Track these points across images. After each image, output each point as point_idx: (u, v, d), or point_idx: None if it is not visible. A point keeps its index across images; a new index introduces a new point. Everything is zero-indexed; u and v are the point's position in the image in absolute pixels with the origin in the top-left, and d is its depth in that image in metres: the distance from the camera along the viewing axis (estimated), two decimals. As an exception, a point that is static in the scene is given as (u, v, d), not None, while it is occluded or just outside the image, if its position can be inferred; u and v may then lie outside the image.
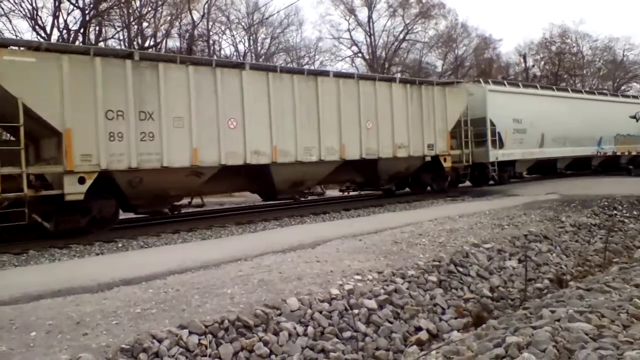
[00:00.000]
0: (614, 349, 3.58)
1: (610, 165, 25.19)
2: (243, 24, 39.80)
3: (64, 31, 28.02)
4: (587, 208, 12.09)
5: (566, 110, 21.60)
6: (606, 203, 12.55)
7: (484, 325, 5.21)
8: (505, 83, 21.29)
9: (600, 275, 6.98)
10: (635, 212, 12.16)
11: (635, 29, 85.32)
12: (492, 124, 18.41)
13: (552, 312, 4.67)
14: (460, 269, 7.26)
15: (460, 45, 48.03)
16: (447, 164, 16.87)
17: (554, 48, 51.86)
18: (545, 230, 9.77)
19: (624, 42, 53.29)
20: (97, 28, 30.76)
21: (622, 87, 52.24)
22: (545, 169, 22.83)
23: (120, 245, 9.74)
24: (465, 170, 17.97)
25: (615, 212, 12.05)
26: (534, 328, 4.21)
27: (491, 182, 19.00)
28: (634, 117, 24.89)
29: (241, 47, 39.34)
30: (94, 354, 4.08)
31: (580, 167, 24.46)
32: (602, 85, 51.78)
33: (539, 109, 20.23)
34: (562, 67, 51.48)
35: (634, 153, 25.68)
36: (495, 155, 18.51)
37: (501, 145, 18.69)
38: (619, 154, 24.90)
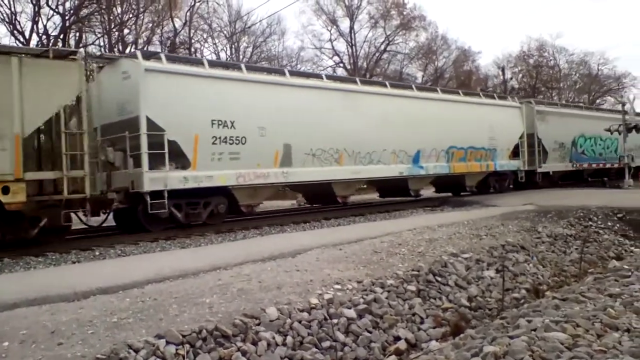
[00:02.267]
0: (589, 358, 3.63)
1: (450, 189, 20.34)
2: (225, 32, 39.87)
3: (44, 36, 27.76)
4: (563, 219, 12.28)
5: (343, 109, 14.80)
6: (581, 214, 12.76)
7: (461, 335, 5.24)
8: (206, 62, 12.99)
9: (575, 286, 7.08)
10: (609, 223, 12.38)
11: (609, 44, 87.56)
12: (157, 128, 11.16)
13: (529, 321, 4.72)
14: (439, 279, 7.31)
15: (440, 57, 48.87)
16: (9, 199, 9.12)
17: (531, 61, 53.05)
18: (522, 240, 9.90)
19: (598, 57, 54.80)
20: (77, 34, 30.53)
21: (597, 101, 53.40)
22: (318, 197, 16.31)
23: (97, 253, 9.62)
24: (68, 207, 9.99)
25: (590, 223, 12.25)
26: (511, 337, 4.25)
27: (170, 226, 12.00)
28: (608, 129, 23.97)
29: (223, 55, 39.34)
30: (68, 364, 4.01)
31: (392, 192, 18.58)
32: (579, 98, 52.85)
33: (279, 106, 13.28)
34: (539, 79, 52.56)
35: (489, 170, 19.73)
36: (163, 180, 11.16)
37: (187, 164, 11.76)
38: (457, 173, 18.46)
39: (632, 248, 11.26)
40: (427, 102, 17.65)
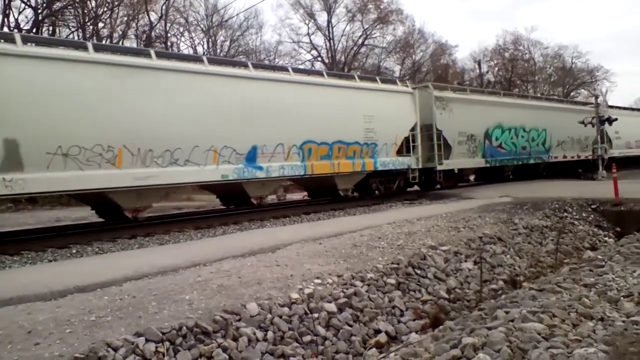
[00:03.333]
0: (564, 347, 3.71)
1: (325, 193, 16.45)
2: (202, 26, 39.51)
3: (15, 30, 27.14)
4: (538, 210, 12.46)
5: (121, 92, 10.74)
6: (557, 205, 12.97)
7: (441, 327, 5.30)
8: None
9: (551, 276, 7.21)
10: (584, 214, 12.62)
11: (582, 38, 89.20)
12: None
13: (506, 312, 4.80)
14: (418, 271, 7.38)
15: (418, 51, 49.18)
16: None
17: (507, 54, 53.65)
18: (499, 232, 10.03)
19: (572, 50, 55.63)
20: (51, 28, 29.92)
21: (572, 93, 54.28)
22: (102, 210, 12.50)
23: (74, 251, 9.50)
24: None
25: (565, 214, 12.46)
26: (489, 329, 4.32)
27: None
28: (582, 122, 23.95)
29: (200, 49, 38.99)
30: (46, 364, 3.96)
31: (231, 199, 14.78)
32: (553, 91, 53.64)
33: None
34: (515, 73, 53.21)
35: (367, 170, 15.90)
36: None
37: None
38: (319, 175, 14.47)
39: (606, 238, 11.51)
40: (268, 84, 13.46)
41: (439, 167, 18.15)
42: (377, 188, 17.16)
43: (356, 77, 16.90)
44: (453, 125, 18.79)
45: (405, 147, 17.24)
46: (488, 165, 20.76)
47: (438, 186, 19.36)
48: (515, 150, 22.31)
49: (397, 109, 16.85)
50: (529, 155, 23.13)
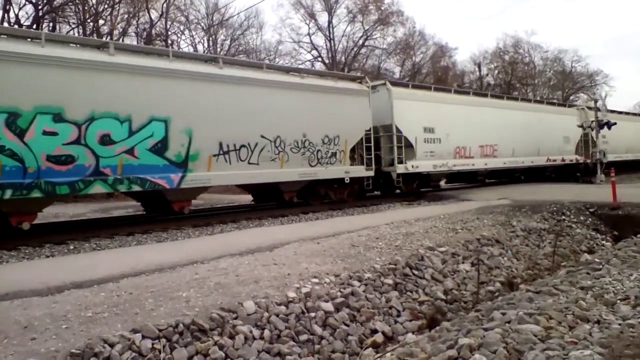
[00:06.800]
0: (560, 349, 3.71)
1: None
2: (202, 24, 39.44)
3: (16, 26, 27.08)
4: (537, 213, 12.47)
5: None
6: (555, 208, 12.98)
7: (437, 327, 5.31)
8: None
9: (548, 278, 7.21)
10: (582, 218, 12.62)
11: (581, 42, 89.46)
12: None
13: (503, 314, 4.80)
14: (416, 272, 7.38)
15: (418, 53, 49.06)
16: None
17: (507, 57, 53.62)
18: (497, 234, 10.03)
19: (572, 54, 55.55)
20: (51, 24, 29.84)
21: (571, 97, 54.31)
22: None
23: (71, 247, 9.47)
24: None
25: (563, 217, 12.46)
26: (486, 330, 4.33)
27: None
28: (581, 126, 23.91)
29: (200, 48, 38.93)
30: (42, 359, 3.95)
31: None
32: (552, 95, 53.67)
33: None
34: (514, 76, 53.22)
35: None
36: None
37: None
38: None
39: (603, 242, 11.52)
40: None
41: None
42: None
43: None
44: None
45: None
46: None
47: None
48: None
49: None
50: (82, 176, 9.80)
